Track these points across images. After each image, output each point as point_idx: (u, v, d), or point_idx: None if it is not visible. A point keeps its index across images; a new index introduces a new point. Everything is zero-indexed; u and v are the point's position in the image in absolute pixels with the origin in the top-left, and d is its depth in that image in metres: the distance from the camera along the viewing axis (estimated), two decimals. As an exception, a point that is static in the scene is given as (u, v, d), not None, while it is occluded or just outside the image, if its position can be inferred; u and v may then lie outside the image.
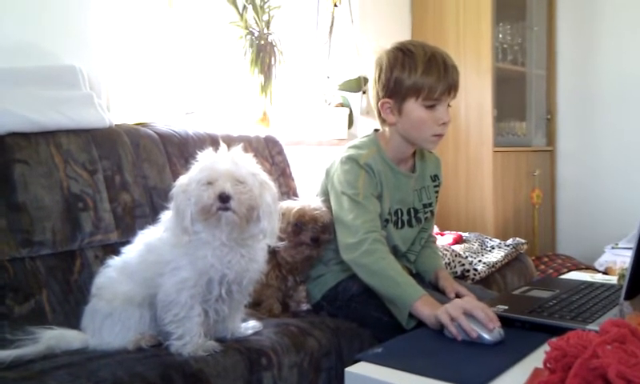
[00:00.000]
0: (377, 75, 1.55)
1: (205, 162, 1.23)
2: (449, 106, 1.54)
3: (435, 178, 1.73)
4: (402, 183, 1.61)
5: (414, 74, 1.48)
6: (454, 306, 1.16)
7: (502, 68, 3.09)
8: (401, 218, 1.62)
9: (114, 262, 1.32)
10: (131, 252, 1.30)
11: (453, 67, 1.51)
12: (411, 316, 1.33)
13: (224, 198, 1.16)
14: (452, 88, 1.51)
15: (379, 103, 1.55)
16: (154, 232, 1.31)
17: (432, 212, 1.70)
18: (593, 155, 3.39)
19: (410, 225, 1.64)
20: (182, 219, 1.20)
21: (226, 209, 1.16)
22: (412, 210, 1.64)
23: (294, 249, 1.55)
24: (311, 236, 1.54)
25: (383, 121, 1.58)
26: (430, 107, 1.50)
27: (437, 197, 1.72)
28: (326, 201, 1.59)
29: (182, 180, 1.25)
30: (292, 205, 1.57)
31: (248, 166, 1.23)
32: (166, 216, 1.27)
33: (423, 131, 1.53)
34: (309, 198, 1.61)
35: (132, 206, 1.68)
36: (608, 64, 3.30)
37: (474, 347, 1.05)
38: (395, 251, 1.60)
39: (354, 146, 1.59)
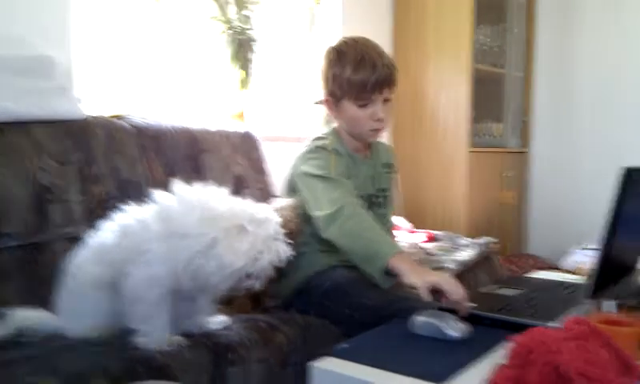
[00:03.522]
0: (320, 73, 1.61)
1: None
2: (387, 100, 1.57)
3: (388, 165, 1.77)
4: (360, 170, 1.66)
5: (345, 74, 1.53)
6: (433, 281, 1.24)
7: (481, 69, 3.11)
8: None
9: (92, 240, 1.27)
10: (108, 231, 1.25)
11: (384, 65, 1.54)
12: (387, 275, 1.36)
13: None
14: (384, 85, 1.55)
15: (325, 101, 1.62)
16: (137, 213, 1.24)
17: (386, 197, 1.74)
18: (565, 158, 3.44)
19: (367, 209, 1.66)
20: None
21: None
22: (367, 196, 1.68)
23: None
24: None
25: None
26: (364, 106, 1.54)
27: (391, 182, 1.77)
28: (294, 196, 1.60)
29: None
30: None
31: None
32: (160, 197, 1.24)
33: (359, 127, 1.59)
34: (281, 205, 1.57)
35: (104, 198, 1.66)
36: (584, 69, 3.35)
37: (440, 343, 1.06)
38: None
39: (318, 138, 1.63)
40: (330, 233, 1.48)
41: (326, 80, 1.58)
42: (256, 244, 1.18)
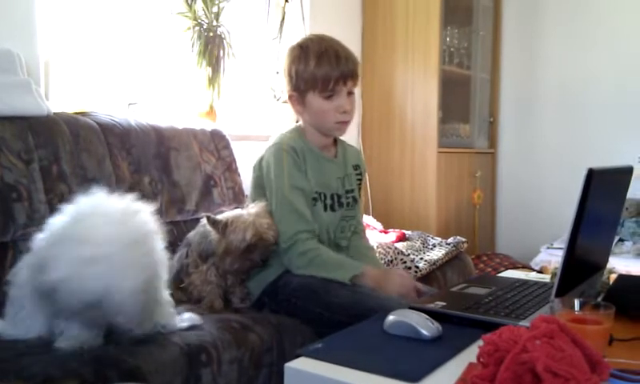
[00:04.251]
0: (283, 70, 1.66)
1: None
2: (351, 93, 1.63)
3: (357, 167, 1.80)
4: (324, 167, 1.68)
5: (309, 68, 1.58)
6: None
7: (448, 71, 3.16)
8: (324, 201, 1.67)
9: (32, 243, 1.19)
10: (40, 234, 1.16)
11: (347, 58, 1.60)
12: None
13: None
14: (347, 77, 1.60)
15: (288, 97, 1.66)
16: (92, 200, 1.15)
17: (354, 198, 1.76)
18: (532, 158, 3.52)
19: (333, 209, 1.69)
20: None
21: None
22: (335, 196, 1.70)
23: (238, 260, 1.53)
24: (262, 257, 1.54)
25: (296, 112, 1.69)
26: (329, 97, 1.59)
27: (359, 185, 1.80)
28: (260, 194, 1.65)
29: None
30: (245, 219, 1.53)
31: None
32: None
33: (326, 120, 1.63)
34: (256, 210, 1.58)
35: (69, 197, 1.61)
36: (549, 71, 3.44)
37: (412, 342, 1.07)
38: (327, 237, 1.67)
39: (279, 135, 1.67)
40: (286, 262, 1.60)
41: (290, 76, 1.63)
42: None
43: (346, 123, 1.65)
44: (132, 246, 1.07)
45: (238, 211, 1.58)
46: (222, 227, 1.52)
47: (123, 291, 1.05)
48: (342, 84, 1.59)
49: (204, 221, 1.56)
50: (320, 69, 1.57)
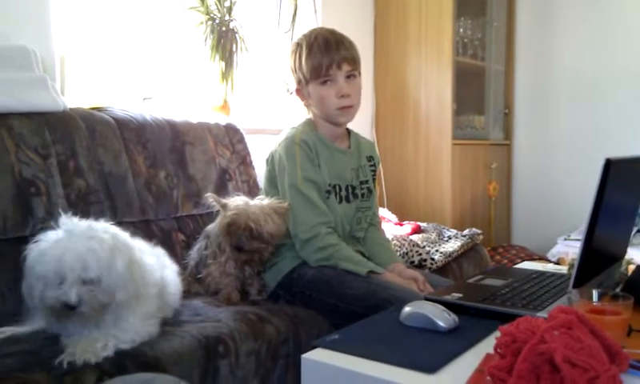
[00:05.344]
0: (289, 67, 1.71)
1: (49, 253, 1.07)
2: (350, 77, 1.65)
3: (370, 158, 1.82)
4: (337, 159, 1.69)
5: (302, 59, 1.63)
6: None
7: (462, 62, 3.13)
8: (339, 193, 1.68)
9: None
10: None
11: (337, 43, 1.64)
12: None
13: (71, 306, 1.05)
14: (341, 62, 1.63)
15: (295, 91, 1.73)
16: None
17: (369, 189, 1.77)
18: (548, 149, 3.48)
19: (348, 200, 1.70)
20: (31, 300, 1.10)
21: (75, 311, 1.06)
22: (350, 187, 1.71)
23: (227, 239, 1.55)
24: (236, 243, 1.54)
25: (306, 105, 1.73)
26: (324, 83, 1.63)
27: (374, 176, 1.81)
28: (273, 188, 1.66)
29: (30, 258, 1.10)
30: (236, 206, 1.55)
31: (100, 251, 1.09)
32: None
33: (327, 106, 1.65)
34: (256, 201, 1.59)
35: (86, 192, 1.64)
36: (564, 61, 3.40)
37: (429, 334, 1.07)
38: (343, 229, 1.67)
39: (291, 129, 1.69)
40: (303, 257, 1.61)
41: (292, 71, 1.69)
42: None
43: (348, 108, 1.66)
44: None
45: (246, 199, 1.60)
46: (222, 205, 1.57)
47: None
48: (335, 68, 1.62)
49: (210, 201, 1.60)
50: (311, 58, 1.62)
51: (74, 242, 1.08)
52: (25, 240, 1.48)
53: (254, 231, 1.51)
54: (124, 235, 1.19)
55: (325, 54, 1.61)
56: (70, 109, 1.73)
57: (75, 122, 1.69)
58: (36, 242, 1.11)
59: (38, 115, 1.62)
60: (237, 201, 1.57)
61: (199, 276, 1.65)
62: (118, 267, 1.11)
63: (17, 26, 1.78)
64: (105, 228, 1.16)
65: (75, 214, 1.56)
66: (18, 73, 1.65)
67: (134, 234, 1.71)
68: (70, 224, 1.12)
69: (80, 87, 2.06)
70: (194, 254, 1.71)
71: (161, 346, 1.15)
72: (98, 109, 1.86)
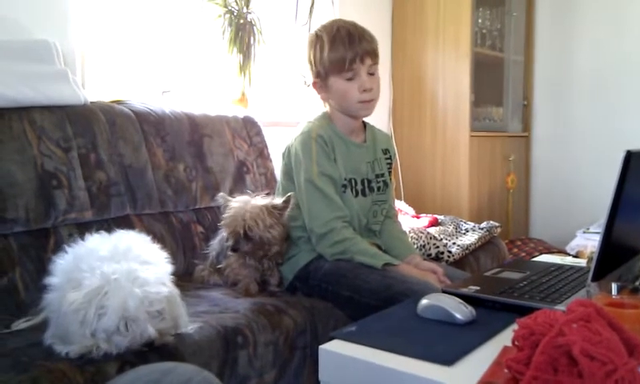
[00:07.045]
0: (306, 59, 1.69)
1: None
2: (371, 73, 1.64)
3: (386, 151, 1.81)
4: (353, 153, 1.69)
5: (324, 52, 1.61)
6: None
7: (481, 53, 3.10)
8: (355, 186, 1.68)
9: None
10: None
11: (360, 36, 1.62)
12: None
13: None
14: (364, 55, 1.61)
15: (312, 84, 1.69)
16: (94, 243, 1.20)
17: (385, 182, 1.76)
18: (567, 142, 3.44)
19: (364, 194, 1.70)
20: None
21: None
22: (365, 181, 1.71)
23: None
24: (232, 245, 1.55)
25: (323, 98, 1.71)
26: (349, 79, 1.61)
27: (390, 169, 1.80)
28: (289, 181, 1.67)
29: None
30: (233, 207, 1.57)
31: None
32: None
33: (348, 100, 1.64)
34: (255, 201, 1.59)
35: (107, 184, 1.67)
36: (584, 52, 3.35)
37: (446, 326, 1.07)
38: (359, 223, 1.67)
39: (307, 123, 1.69)
40: (319, 251, 1.61)
41: (311, 64, 1.67)
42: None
43: (369, 102, 1.65)
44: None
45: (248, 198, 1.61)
46: (226, 205, 1.60)
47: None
48: (359, 62, 1.61)
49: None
50: (334, 52, 1.60)
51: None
52: (47, 232, 1.53)
53: (247, 234, 1.53)
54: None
55: (348, 48, 1.59)
56: (91, 102, 1.75)
57: (96, 116, 1.71)
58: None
59: (60, 108, 1.64)
60: (237, 201, 1.58)
61: (219, 266, 1.67)
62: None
63: (39, 20, 1.81)
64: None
65: (95, 206, 1.60)
66: (40, 66, 1.68)
67: (151, 226, 1.75)
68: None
69: (100, 81, 2.08)
70: (215, 244, 1.72)
71: (180, 335, 1.17)
72: (118, 102, 1.88)
